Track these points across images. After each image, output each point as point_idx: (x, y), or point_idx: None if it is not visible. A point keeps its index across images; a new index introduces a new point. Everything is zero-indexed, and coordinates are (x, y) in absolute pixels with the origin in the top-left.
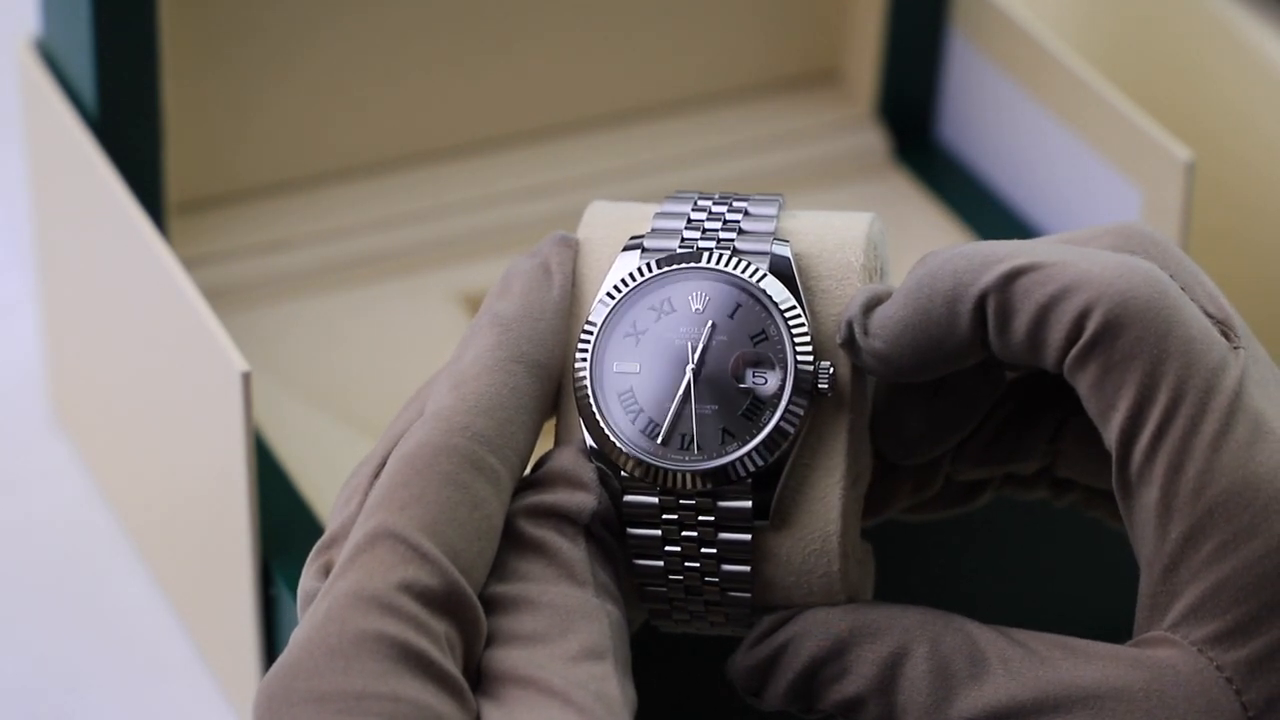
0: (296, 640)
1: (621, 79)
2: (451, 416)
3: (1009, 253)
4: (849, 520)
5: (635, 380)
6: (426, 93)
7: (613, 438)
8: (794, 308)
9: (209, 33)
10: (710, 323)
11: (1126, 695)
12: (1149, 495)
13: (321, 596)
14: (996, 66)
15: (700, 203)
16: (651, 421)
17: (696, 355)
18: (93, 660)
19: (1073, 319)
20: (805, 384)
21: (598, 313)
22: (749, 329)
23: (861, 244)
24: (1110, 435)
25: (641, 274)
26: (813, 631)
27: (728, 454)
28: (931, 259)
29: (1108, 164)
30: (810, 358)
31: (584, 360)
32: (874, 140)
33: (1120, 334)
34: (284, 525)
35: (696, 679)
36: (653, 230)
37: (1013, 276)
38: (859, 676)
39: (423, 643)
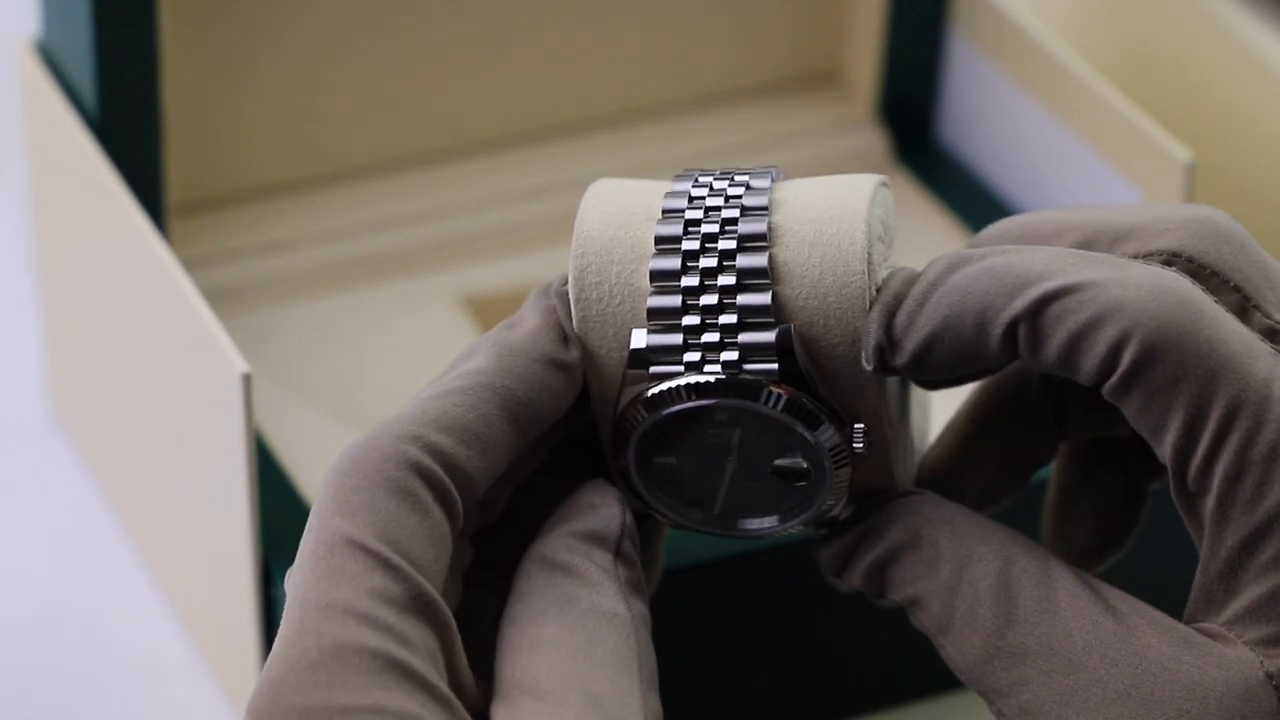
0: (275, 655)
1: (622, 80)
2: (407, 425)
3: (1040, 273)
4: (903, 460)
5: (677, 469)
6: (427, 94)
7: (670, 517)
8: (811, 415)
9: (209, 33)
10: (738, 429)
11: (1175, 674)
12: (1206, 504)
13: (291, 607)
14: (996, 66)
15: (688, 283)
16: (700, 502)
17: (732, 454)
18: (93, 660)
19: (1108, 348)
20: (844, 460)
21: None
22: (776, 430)
23: (864, 304)
24: (1164, 453)
25: (656, 408)
26: (900, 518)
27: (784, 521)
28: (958, 274)
29: (1108, 164)
30: (841, 443)
31: (623, 459)
32: (874, 141)
33: (1159, 360)
34: (284, 526)
35: (706, 689)
36: (650, 317)
37: (1044, 303)
38: (932, 571)
39: (403, 652)
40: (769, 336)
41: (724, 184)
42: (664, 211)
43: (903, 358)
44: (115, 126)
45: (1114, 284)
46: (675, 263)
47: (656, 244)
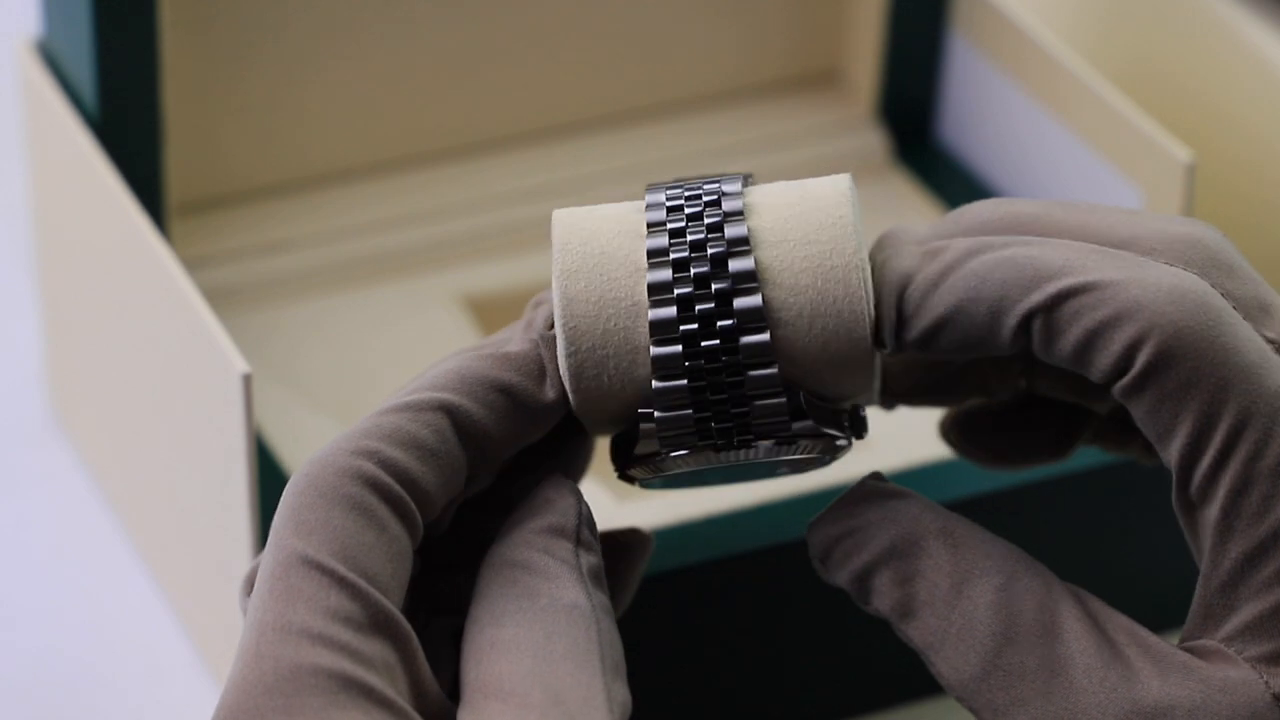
0: (232, 680)
1: (621, 80)
2: (361, 439)
3: (1060, 268)
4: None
5: (682, 473)
6: (427, 94)
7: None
8: (820, 436)
9: (209, 34)
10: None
11: (1179, 699)
12: (1210, 514)
13: (248, 630)
14: (996, 67)
15: (693, 365)
16: (701, 482)
17: (739, 463)
18: (93, 660)
19: (1123, 348)
20: (847, 444)
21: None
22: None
23: (871, 356)
24: (1170, 457)
25: (676, 466)
26: (891, 523)
27: (781, 476)
28: (977, 259)
29: (1108, 164)
30: (845, 437)
31: (629, 478)
32: (874, 141)
33: (1174, 364)
34: None
35: (689, 686)
36: (658, 396)
37: (1062, 298)
38: (927, 583)
39: (359, 670)
40: (780, 401)
41: (700, 233)
42: (651, 290)
43: (911, 335)
44: (115, 126)
45: (1134, 284)
46: (677, 349)
47: (653, 331)
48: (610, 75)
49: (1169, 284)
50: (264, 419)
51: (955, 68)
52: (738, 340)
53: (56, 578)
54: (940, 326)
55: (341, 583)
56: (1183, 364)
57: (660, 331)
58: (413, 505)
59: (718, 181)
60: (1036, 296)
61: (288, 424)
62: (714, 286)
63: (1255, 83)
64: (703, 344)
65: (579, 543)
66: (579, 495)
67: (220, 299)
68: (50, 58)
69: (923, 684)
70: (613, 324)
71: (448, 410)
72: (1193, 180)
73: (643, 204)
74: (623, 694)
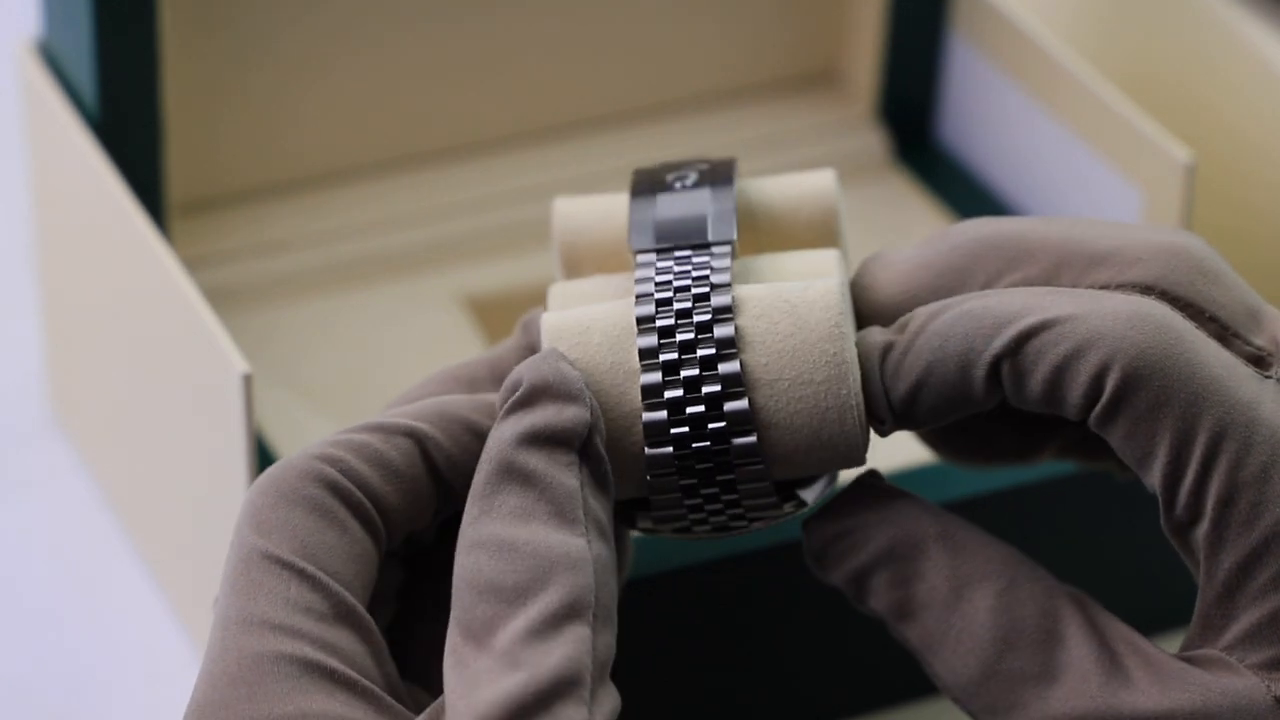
0: (200, 676)
1: (621, 80)
2: (326, 448)
3: (1019, 311)
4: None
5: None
6: (427, 93)
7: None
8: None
9: (209, 34)
10: None
11: (1180, 703)
12: (1200, 528)
13: (213, 628)
14: (996, 67)
15: (683, 463)
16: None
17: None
18: (93, 660)
19: (1090, 378)
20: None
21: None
22: None
23: (863, 458)
24: (1153, 480)
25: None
26: (890, 524)
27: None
28: (938, 320)
29: (1108, 164)
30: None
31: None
32: (874, 141)
33: (1142, 387)
34: None
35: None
36: (652, 489)
37: (1024, 339)
38: (927, 585)
39: (320, 655)
40: (772, 500)
41: (694, 370)
42: (646, 430)
43: (890, 408)
44: (115, 126)
45: (1093, 315)
46: (669, 449)
47: (647, 432)
48: (610, 75)
49: (1127, 311)
50: (264, 419)
51: (955, 68)
52: (733, 472)
53: (56, 577)
54: (915, 393)
55: (301, 575)
56: (1151, 384)
57: (653, 433)
58: (374, 513)
59: (706, 280)
60: (999, 342)
61: (288, 424)
62: (709, 426)
63: (1255, 83)
64: (696, 463)
65: (590, 439)
66: (583, 385)
67: (220, 299)
68: (50, 58)
69: (923, 684)
70: (609, 439)
71: (419, 439)
72: (1192, 180)
73: (632, 315)
74: (607, 641)
